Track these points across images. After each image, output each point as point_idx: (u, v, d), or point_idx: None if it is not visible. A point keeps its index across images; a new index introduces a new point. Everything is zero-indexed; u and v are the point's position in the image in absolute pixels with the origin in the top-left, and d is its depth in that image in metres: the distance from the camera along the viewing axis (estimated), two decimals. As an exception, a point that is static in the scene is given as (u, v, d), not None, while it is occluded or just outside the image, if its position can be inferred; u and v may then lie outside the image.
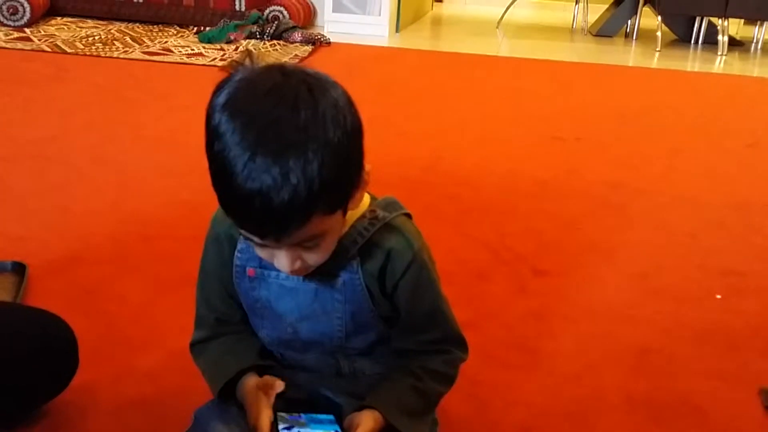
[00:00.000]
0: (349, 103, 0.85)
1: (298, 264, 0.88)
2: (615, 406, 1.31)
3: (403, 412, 0.97)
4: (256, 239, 0.85)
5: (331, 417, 0.97)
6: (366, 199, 0.98)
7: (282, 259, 0.87)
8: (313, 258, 0.89)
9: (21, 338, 1.12)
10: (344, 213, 0.88)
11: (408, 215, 1.00)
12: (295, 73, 0.83)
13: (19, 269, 1.58)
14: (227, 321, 1.06)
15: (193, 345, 1.09)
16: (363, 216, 0.96)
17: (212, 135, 0.82)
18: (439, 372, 1.03)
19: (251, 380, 0.99)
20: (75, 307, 1.46)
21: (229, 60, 0.95)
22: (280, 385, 0.96)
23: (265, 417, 0.93)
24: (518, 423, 1.25)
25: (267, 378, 0.98)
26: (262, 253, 0.89)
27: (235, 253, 0.99)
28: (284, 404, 1.01)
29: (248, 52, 0.88)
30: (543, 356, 1.44)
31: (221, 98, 0.82)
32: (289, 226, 0.81)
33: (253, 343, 1.05)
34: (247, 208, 0.80)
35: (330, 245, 0.89)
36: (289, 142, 0.78)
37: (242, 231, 0.86)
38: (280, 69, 0.84)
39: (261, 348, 1.05)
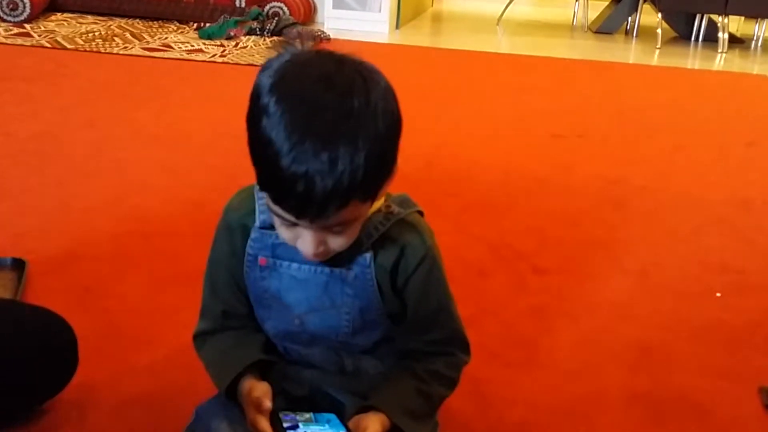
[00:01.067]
0: (394, 94, 0.86)
1: (321, 248, 0.88)
2: (615, 403, 1.31)
3: (408, 414, 0.97)
4: (289, 218, 0.84)
5: (332, 416, 0.97)
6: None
7: (307, 241, 0.87)
8: (338, 242, 0.89)
9: (21, 336, 1.12)
10: (373, 202, 0.89)
11: (421, 213, 1.01)
12: (348, 61, 0.84)
13: (18, 265, 1.58)
14: (233, 314, 1.05)
15: (197, 336, 1.08)
16: (378, 210, 0.96)
17: (260, 113, 0.81)
18: (443, 375, 1.03)
19: (247, 384, 0.98)
20: (75, 304, 1.46)
21: (279, 39, 0.97)
22: (268, 405, 0.94)
23: (262, 420, 0.93)
24: (518, 420, 1.25)
25: (256, 393, 0.96)
26: (286, 234, 0.89)
27: (248, 242, 0.99)
28: (286, 401, 1.01)
29: (298, 34, 0.89)
30: (543, 353, 1.44)
31: (272, 78, 0.83)
32: (326, 211, 0.82)
33: (257, 338, 1.05)
34: (288, 189, 0.80)
35: (355, 231, 0.90)
36: (340, 129, 0.79)
37: (275, 209, 0.85)
38: (333, 55, 0.85)
39: (265, 343, 1.05)
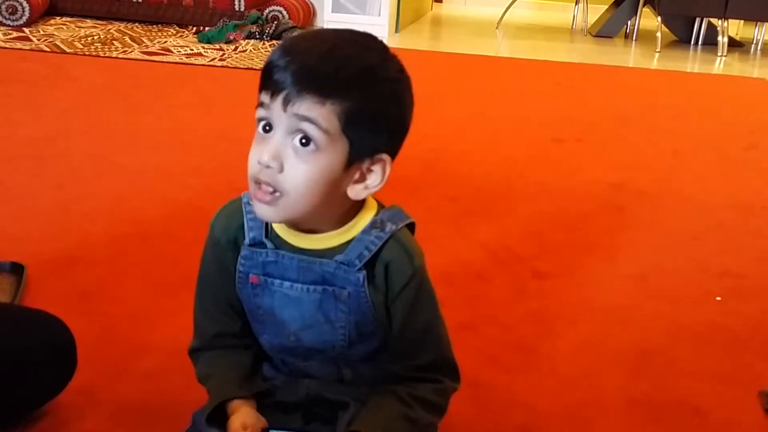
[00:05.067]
0: (411, 94, 0.93)
1: (275, 162, 0.86)
2: (614, 408, 1.30)
3: None
4: (266, 98, 0.86)
5: None
6: (373, 205, 0.97)
7: (270, 143, 0.87)
8: (293, 170, 0.86)
9: (19, 339, 1.12)
10: (350, 164, 0.88)
11: (413, 225, 0.98)
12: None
13: (17, 269, 1.57)
14: (224, 332, 1.04)
15: (191, 352, 1.07)
16: (369, 227, 0.94)
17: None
18: (429, 401, 0.99)
19: (230, 412, 0.97)
20: (73, 307, 1.45)
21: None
22: None
23: None
24: (518, 425, 1.24)
25: (234, 425, 0.95)
26: (255, 151, 0.88)
27: (239, 259, 0.98)
28: (279, 411, 1.00)
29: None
30: (542, 358, 1.43)
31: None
32: (308, 82, 0.84)
33: (245, 360, 1.03)
34: (283, 52, 0.86)
35: (312, 174, 0.87)
36: (344, 46, 0.88)
37: (259, 99, 0.87)
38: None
39: (253, 362, 1.04)
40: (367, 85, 0.86)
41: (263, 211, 0.90)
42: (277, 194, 0.87)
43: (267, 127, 0.88)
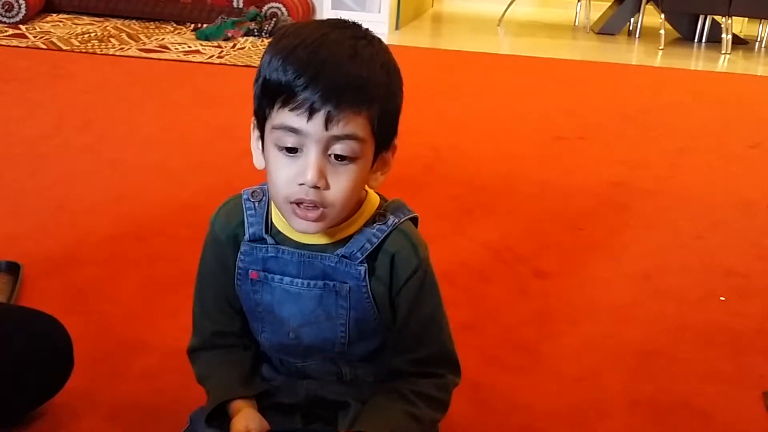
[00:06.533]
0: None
1: (322, 180, 0.84)
2: (617, 409, 1.29)
3: None
4: (299, 124, 0.82)
5: None
6: (375, 199, 0.97)
7: (311, 163, 0.83)
8: (337, 184, 0.85)
9: (15, 339, 1.11)
10: (375, 160, 0.89)
11: (416, 218, 0.98)
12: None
13: (13, 268, 1.56)
14: (223, 332, 1.03)
15: (189, 352, 1.06)
16: (372, 219, 0.94)
17: (261, 63, 0.86)
18: (432, 397, 0.98)
19: (233, 412, 0.96)
20: (70, 307, 1.44)
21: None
22: None
23: None
24: (520, 425, 1.23)
25: (237, 427, 0.95)
26: (285, 170, 0.85)
27: (239, 255, 0.97)
28: (279, 412, 0.99)
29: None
30: (544, 358, 1.42)
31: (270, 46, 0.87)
32: (342, 99, 0.81)
33: (244, 360, 1.03)
34: (312, 67, 0.82)
35: (354, 183, 0.86)
36: (356, 42, 0.85)
37: (282, 122, 0.83)
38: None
39: (252, 363, 1.03)
40: (388, 82, 0.87)
41: (308, 226, 0.88)
42: (322, 210, 0.86)
43: (295, 147, 0.85)
